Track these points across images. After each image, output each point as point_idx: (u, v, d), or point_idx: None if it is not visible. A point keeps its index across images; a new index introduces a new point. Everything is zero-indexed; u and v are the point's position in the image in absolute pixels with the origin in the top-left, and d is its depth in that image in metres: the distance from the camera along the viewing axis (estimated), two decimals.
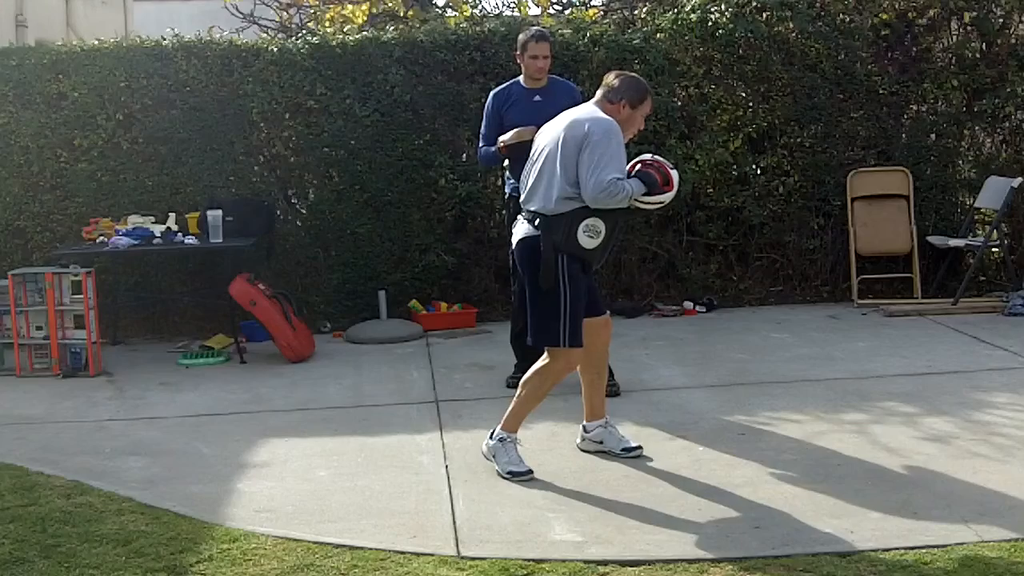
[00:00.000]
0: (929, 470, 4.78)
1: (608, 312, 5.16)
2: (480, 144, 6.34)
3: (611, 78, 4.92)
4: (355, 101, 8.22)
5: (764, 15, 8.46)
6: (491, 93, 6.33)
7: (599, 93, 4.92)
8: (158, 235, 7.52)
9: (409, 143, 8.30)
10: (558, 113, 5.69)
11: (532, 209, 4.84)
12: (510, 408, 4.97)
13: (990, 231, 8.32)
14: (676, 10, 8.61)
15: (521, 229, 4.90)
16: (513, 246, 4.99)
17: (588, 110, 4.90)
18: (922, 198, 8.60)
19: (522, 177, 5.01)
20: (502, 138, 5.96)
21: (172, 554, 4.09)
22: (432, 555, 4.04)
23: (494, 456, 4.92)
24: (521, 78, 6.22)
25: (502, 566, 3.91)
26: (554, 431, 5.53)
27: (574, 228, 4.73)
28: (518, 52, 6.18)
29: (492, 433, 4.98)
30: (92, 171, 8.15)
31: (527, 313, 4.91)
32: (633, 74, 5.02)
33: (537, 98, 6.11)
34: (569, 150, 4.73)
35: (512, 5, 11.76)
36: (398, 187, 8.32)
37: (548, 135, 4.93)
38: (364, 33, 8.77)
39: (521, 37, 6.20)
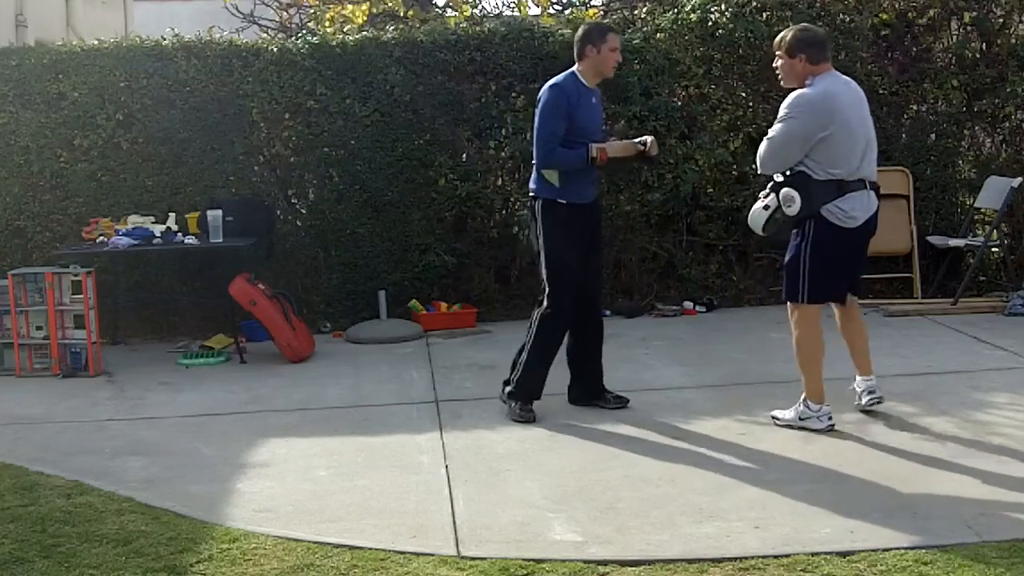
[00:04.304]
0: (929, 470, 4.78)
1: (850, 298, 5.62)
2: (550, 142, 5.64)
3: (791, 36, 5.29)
4: (355, 101, 8.22)
5: (764, 15, 8.46)
6: (555, 87, 5.69)
7: (801, 59, 5.23)
8: (158, 235, 7.51)
9: (409, 143, 8.29)
10: (601, 117, 5.83)
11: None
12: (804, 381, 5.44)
13: (990, 231, 8.32)
14: (676, 10, 8.61)
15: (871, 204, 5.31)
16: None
17: (840, 78, 5.33)
18: (922, 198, 8.60)
19: (852, 158, 5.22)
20: (624, 144, 5.77)
21: (172, 554, 4.09)
22: (432, 555, 4.04)
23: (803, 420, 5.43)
24: (580, 75, 5.70)
25: (502, 566, 3.91)
26: (554, 431, 5.53)
27: None
28: (590, 45, 5.64)
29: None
30: (92, 171, 8.15)
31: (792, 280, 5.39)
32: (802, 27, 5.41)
33: (594, 100, 5.77)
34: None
35: (512, 5, 11.78)
36: (398, 187, 8.32)
37: (856, 111, 5.27)
38: (364, 33, 8.76)
39: (598, 28, 5.74)
